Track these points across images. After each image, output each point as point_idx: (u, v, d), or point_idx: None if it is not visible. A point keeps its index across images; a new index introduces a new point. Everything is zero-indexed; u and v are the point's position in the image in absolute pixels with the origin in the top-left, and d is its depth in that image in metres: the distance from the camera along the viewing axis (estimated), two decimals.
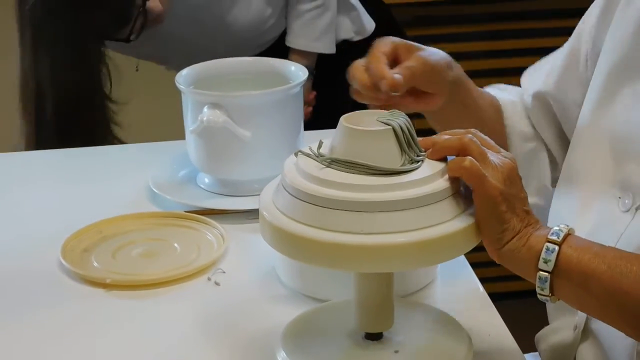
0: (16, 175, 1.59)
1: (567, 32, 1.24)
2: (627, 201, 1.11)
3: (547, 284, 0.98)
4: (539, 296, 1.00)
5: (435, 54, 1.20)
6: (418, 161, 0.99)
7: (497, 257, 1.00)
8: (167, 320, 1.18)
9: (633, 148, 1.11)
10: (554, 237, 0.98)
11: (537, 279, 0.98)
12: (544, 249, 0.98)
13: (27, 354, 1.12)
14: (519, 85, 1.37)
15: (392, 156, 0.98)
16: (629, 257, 0.98)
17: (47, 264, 1.29)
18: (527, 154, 1.33)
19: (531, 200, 1.07)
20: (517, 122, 1.33)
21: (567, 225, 1.00)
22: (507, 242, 0.99)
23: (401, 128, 0.99)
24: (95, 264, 1.29)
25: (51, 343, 1.14)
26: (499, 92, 1.36)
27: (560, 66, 1.29)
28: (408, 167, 0.98)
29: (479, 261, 1.31)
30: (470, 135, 1.01)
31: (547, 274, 0.98)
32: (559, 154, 1.32)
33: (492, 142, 1.03)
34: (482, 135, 1.03)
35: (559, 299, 1.00)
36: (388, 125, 0.99)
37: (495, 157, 1.00)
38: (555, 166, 1.34)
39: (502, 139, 1.32)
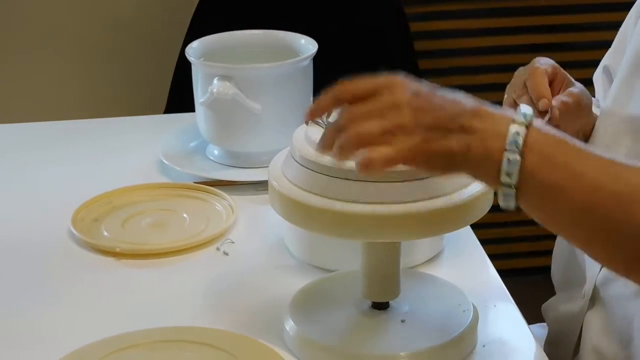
0: (28, 146, 1.60)
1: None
2: None
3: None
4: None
5: (587, 93, 1.19)
6: None
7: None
8: (175, 289, 1.19)
9: None
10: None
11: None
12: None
13: (38, 321, 1.13)
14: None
15: None
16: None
17: (58, 233, 1.30)
18: None
19: None
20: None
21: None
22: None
23: None
24: (105, 233, 1.30)
25: (61, 310, 1.15)
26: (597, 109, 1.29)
27: (615, 43, 1.31)
28: None
29: (485, 238, 1.32)
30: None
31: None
32: None
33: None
34: None
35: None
36: None
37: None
38: None
39: None
